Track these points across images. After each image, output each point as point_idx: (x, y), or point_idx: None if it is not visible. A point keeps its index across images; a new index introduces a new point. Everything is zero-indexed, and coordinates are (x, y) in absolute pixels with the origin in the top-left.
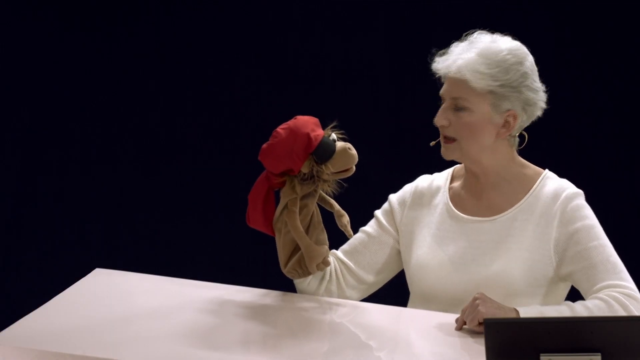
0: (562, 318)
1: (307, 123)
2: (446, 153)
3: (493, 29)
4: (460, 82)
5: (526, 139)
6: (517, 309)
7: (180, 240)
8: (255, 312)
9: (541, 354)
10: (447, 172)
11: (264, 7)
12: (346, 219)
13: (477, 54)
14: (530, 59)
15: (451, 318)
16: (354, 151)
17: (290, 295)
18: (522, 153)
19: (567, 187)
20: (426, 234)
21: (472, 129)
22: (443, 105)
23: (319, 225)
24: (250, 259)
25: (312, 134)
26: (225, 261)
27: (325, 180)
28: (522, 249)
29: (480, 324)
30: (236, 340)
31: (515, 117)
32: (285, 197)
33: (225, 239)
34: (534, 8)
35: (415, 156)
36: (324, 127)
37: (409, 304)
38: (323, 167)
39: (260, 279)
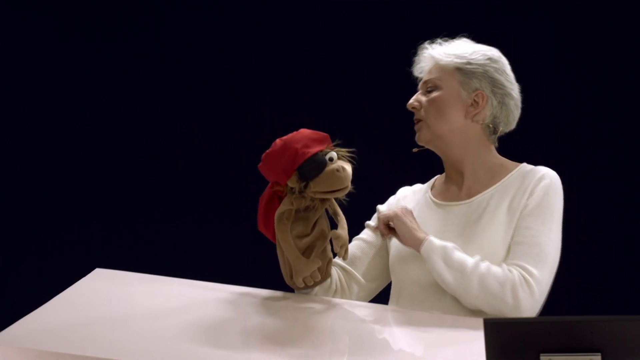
0: (562, 318)
1: (303, 138)
2: (418, 136)
3: (493, 29)
4: (431, 67)
5: (499, 131)
6: (427, 235)
7: (180, 240)
8: (254, 311)
9: (541, 354)
10: (430, 181)
11: (264, 7)
12: (341, 241)
13: (449, 44)
14: (503, 62)
15: (450, 319)
16: (343, 174)
17: (289, 295)
18: (522, 154)
19: (546, 169)
20: None
21: (440, 104)
22: (417, 93)
23: (326, 239)
24: (250, 259)
25: (301, 150)
26: (225, 261)
27: (313, 198)
28: (496, 222)
29: (387, 226)
30: (236, 339)
31: (484, 98)
32: (283, 206)
33: (225, 239)
34: (534, 9)
35: (415, 156)
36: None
37: (391, 294)
38: (306, 185)
39: (260, 279)
